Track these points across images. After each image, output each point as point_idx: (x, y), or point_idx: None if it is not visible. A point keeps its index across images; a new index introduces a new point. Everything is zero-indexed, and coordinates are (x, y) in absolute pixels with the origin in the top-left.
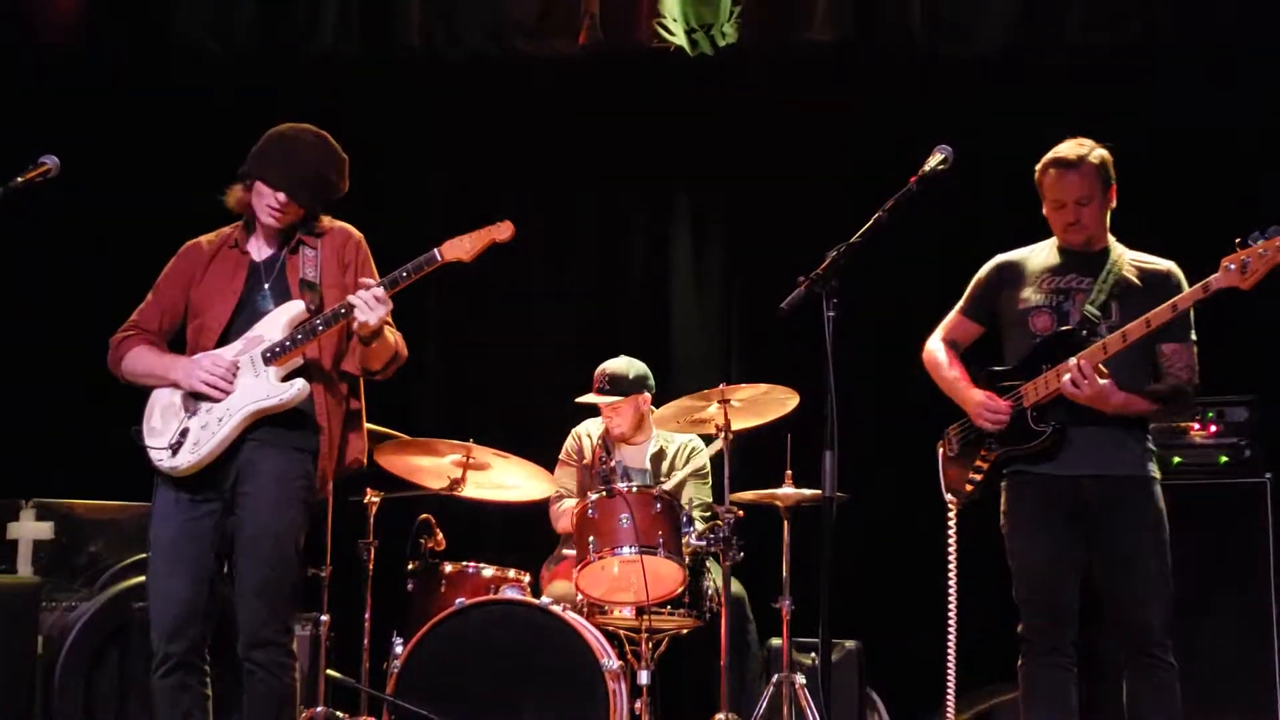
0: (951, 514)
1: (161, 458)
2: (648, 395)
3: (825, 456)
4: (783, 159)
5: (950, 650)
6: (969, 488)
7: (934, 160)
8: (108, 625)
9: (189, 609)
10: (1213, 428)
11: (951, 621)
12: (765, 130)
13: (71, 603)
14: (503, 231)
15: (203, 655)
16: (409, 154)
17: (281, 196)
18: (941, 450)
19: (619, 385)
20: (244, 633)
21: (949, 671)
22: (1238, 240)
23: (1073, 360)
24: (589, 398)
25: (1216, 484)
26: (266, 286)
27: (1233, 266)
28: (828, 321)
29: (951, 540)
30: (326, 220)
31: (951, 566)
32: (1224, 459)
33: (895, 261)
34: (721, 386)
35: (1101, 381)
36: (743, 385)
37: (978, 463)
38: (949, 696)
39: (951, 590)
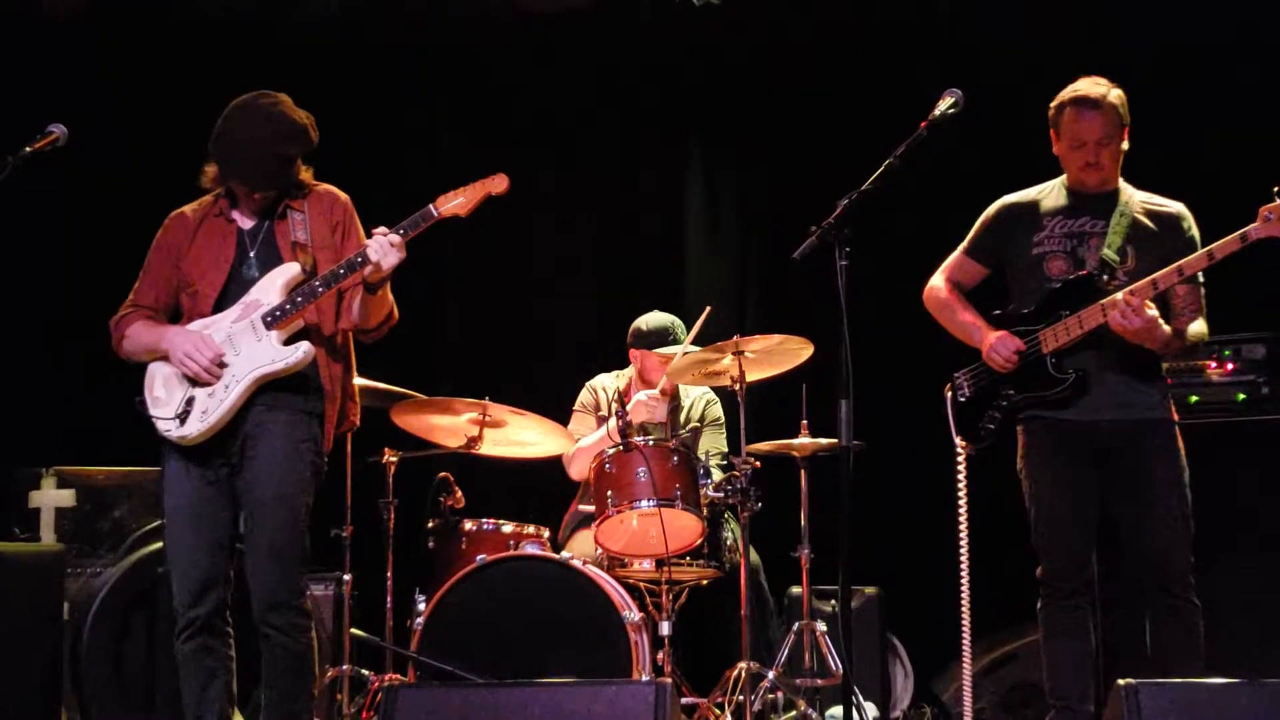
0: (961, 459)
1: (169, 428)
2: None
3: (841, 405)
4: (793, 105)
5: (964, 596)
6: (984, 434)
7: (944, 104)
8: (133, 589)
9: (208, 574)
10: (1230, 366)
11: (964, 567)
12: (774, 77)
13: (96, 568)
14: (498, 184)
15: (225, 618)
16: (417, 111)
17: (244, 188)
18: (949, 395)
19: (680, 335)
20: (258, 596)
21: (964, 617)
22: (1277, 189)
23: (1119, 295)
24: (682, 348)
25: (1234, 422)
26: (252, 254)
27: (1272, 216)
28: (840, 270)
29: (962, 486)
30: (312, 182)
31: (963, 512)
32: (1242, 397)
33: (908, 207)
34: (735, 338)
35: (1151, 313)
36: (757, 336)
37: (992, 411)
38: (965, 641)
39: (963, 536)
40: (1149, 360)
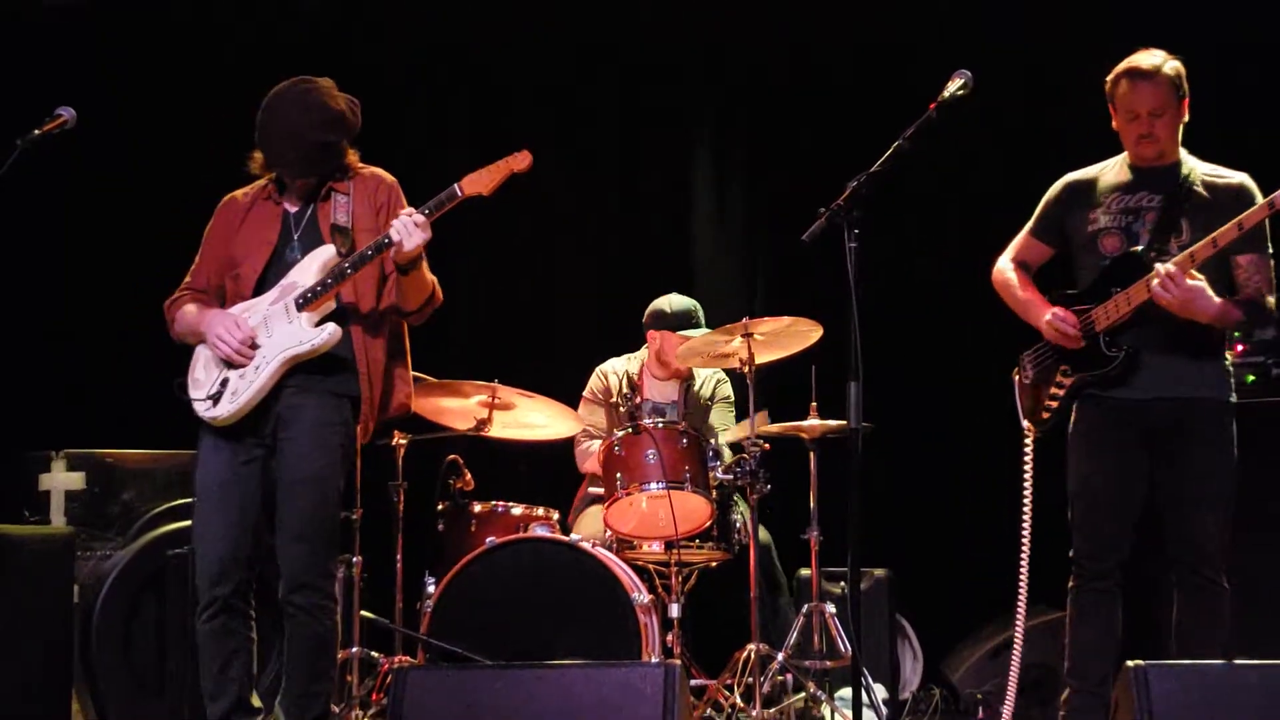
0: (1028, 441)
1: (203, 408)
2: None
3: (850, 387)
4: (802, 88)
5: (1023, 578)
6: (1045, 415)
7: (954, 85)
8: (143, 572)
9: (233, 554)
10: (1239, 347)
11: (1025, 550)
12: (785, 59)
13: (106, 551)
14: (520, 162)
15: (247, 600)
16: (430, 96)
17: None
18: (1017, 377)
19: (701, 319)
20: (284, 576)
21: (1020, 599)
22: None
23: (1160, 266)
24: (698, 333)
25: (1244, 403)
26: (296, 237)
27: None
28: (849, 252)
29: (1028, 468)
30: (358, 164)
31: (1028, 494)
32: (1251, 378)
33: (917, 189)
34: (745, 320)
35: (1192, 283)
36: (766, 318)
37: (1053, 389)
38: (1018, 624)
39: (1027, 518)
40: (1206, 338)
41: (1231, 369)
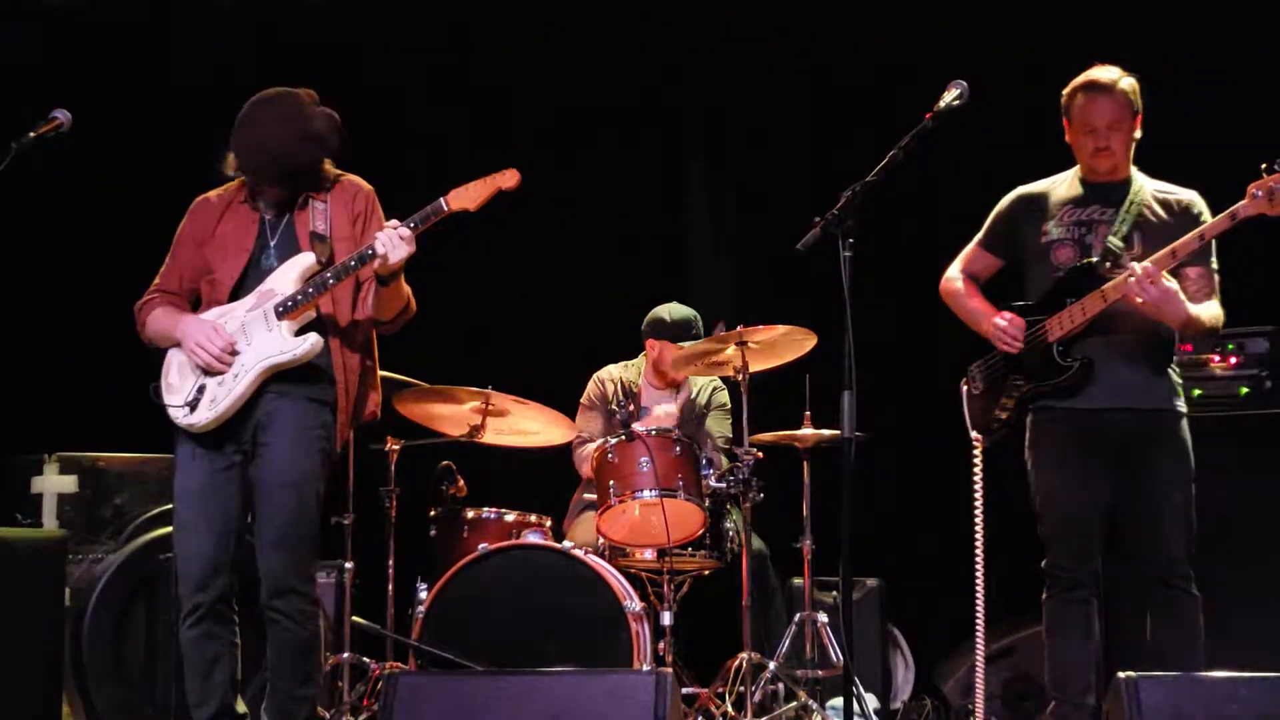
0: (977, 452)
1: (179, 415)
2: None
3: (843, 397)
4: (796, 93)
5: (979, 591)
6: (995, 425)
7: (949, 95)
8: (134, 576)
9: (215, 560)
10: (1233, 359)
11: (979, 562)
12: (779, 65)
13: (98, 555)
14: (508, 179)
15: (230, 605)
16: (426, 97)
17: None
18: (965, 388)
19: (701, 330)
20: (266, 582)
21: (978, 610)
22: (1264, 166)
23: (1136, 265)
24: (698, 344)
25: (1237, 415)
26: (272, 244)
27: (1260, 194)
28: (844, 261)
29: (978, 478)
30: (336, 173)
31: (978, 505)
32: (1245, 390)
33: (912, 198)
34: (739, 328)
35: (1169, 284)
36: (760, 327)
37: (1004, 400)
38: (979, 635)
39: (979, 528)
40: (1159, 350)
41: (1180, 380)
